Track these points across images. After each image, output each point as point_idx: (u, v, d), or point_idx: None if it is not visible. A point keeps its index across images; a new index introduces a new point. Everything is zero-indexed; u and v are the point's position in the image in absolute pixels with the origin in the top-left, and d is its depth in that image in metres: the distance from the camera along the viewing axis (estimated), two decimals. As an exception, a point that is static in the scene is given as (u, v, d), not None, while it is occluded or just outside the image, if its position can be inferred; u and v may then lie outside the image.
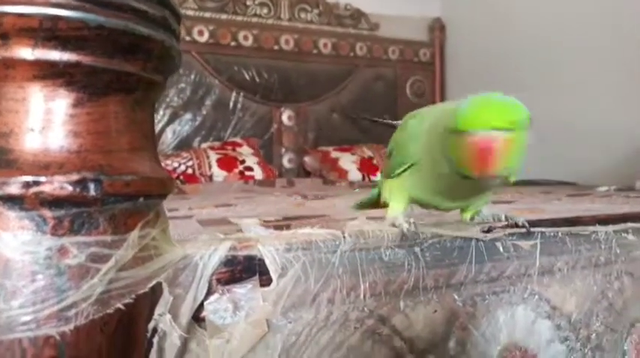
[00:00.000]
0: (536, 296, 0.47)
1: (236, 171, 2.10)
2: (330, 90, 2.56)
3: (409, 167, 0.48)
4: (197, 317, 0.36)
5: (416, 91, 2.73)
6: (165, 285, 0.33)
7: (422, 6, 2.73)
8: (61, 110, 0.29)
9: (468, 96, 0.45)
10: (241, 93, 2.39)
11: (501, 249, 0.46)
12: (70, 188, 0.28)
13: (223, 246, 0.37)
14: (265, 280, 0.39)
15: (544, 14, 2.20)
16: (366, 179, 2.27)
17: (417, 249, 0.43)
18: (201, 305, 0.36)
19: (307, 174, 2.44)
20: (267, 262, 0.39)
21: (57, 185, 0.27)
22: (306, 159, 2.45)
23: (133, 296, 0.31)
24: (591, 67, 2.02)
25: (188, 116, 2.30)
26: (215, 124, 2.35)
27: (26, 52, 0.28)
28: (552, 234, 0.48)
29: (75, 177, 0.28)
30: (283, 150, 2.49)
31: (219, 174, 2.06)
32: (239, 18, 2.39)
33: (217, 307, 0.37)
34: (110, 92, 0.31)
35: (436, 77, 2.74)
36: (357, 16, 2.60)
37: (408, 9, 2.67)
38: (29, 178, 0.27)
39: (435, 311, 0.43)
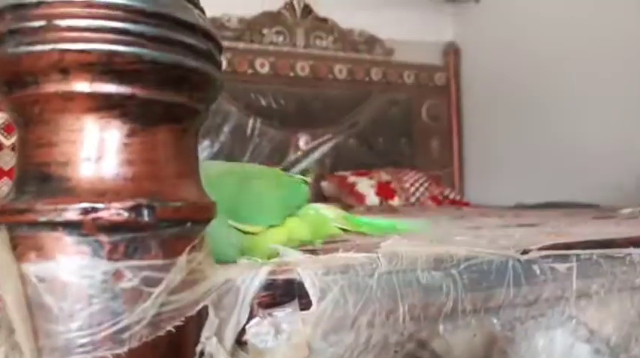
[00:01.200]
0: (574, 320, 0.47)
1: (255, 196, 2.11)
2: (346, 115, 2.59)
3: None
4: (239, 341, 0.36)
5: (432, 115, 2.75)
6: (211, 309, 0.34)
7: (435, 30, 2.77)
8: (116, 140, 0.30)
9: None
10: (258, 120, 2.43)
11: (538, 272, 0.45)
12: (125, 214, 0.29)
13: (263, 270, 0.38)
14: (305, 303, 0.39)
15: (559, 36, 2.21)
16: (384, 203, 2.27)
17: (454, 271, 0.43)
18: (243, 328, 0.37)
19: (325, 199, 2.44)
20: (307, 286, 0.39)
21: (113, 211, 0.29)
22: (324, 184, 2.46)
23: (182, 319, 0.31)
24: (610, 88, 2.02)
25: (206, 143, 2.33)
26: (233, 150, 2.38)
27: (84, 86, 0.29)
28: (587, 256, 0.48)
29: (130, 203, 0.29)
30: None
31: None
32: (255, 46, 2.45)
33: (259, 330, 0.37)
34: (160, 122, 0.32)
35: (452, 100, 2.76)
36: (372, 41, 2.65)
37: (422, 34, 2.71)
38: (87, 205, 0.28)
39: (475, 335, 0.42)
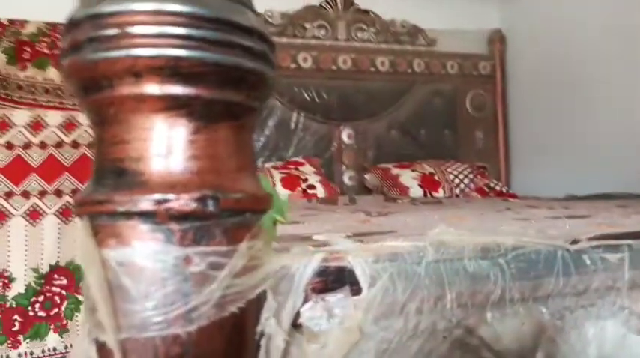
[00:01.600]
0: (626, 310, 0.46)
1: (299, 189, 2.15)
2: (388, 107, 2.58)
3: None
4: (294, 324, 0.39)
5: (476, 105, 2.69)
6: (269, 293, 0.36)
7: (480, 19, 2.70)
8: (183, 137, 0.33)
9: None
10: (302, 114, 2.46)
11: (588, 262, 0.45)
12: (193, 204, 0.32)
13: (316, 258, 0.40)
14: (355, 290, 0.41)
15: (607, 22, 2.11)
16: (428, 195, 2.25)
17: (501, 261, 0.44)
18: (298, 312, 0.39)
19: (368, 191, 2.45)
20: (358, 273, 0.41)
21: (183, 202, 0.31)
22: (367, 176, 2.47)
23: (244, 301, 0.34)
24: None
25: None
26: (277, 144, 2.43)
27: (154, 88, 0.32)
28: (641, 246, 0.48)
29: (197, 195, 0.32)
30: (344, 168, 2.52)
31: (283, 193, 2.12)
32: (298, 41, 2.48)
33: (313, 314, 0.39)
34: (221, 120, 0.34)
35: (497, 90, 2.69)
36: (414, 32, 2.62)
37: (466, 22, 2.66)
38: (160, 196, 0.31)
39: (523, 323, 0.43)
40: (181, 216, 0.32)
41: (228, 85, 0.34)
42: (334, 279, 0.41)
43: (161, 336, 0.31)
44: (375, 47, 2.58)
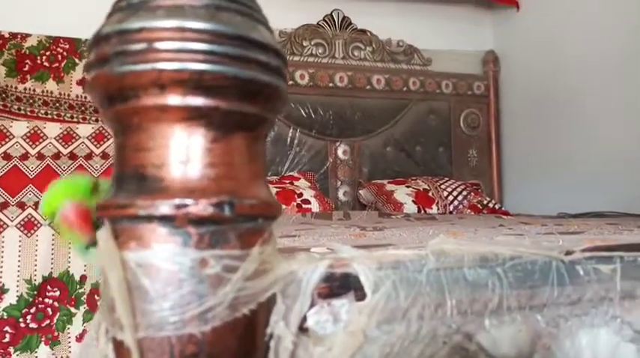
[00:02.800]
0: (619, 320, 0.48)
1: (294, 204, 2.16)
2: (384, 124, 2.62)
3: None
4: (301, 327, 0.40)
5: (470, 124, 2.74)
6: (279, 296, 0.38)
7: (474, 40, 2.77)
8: (201, 145, 0.35)
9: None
10: (298, 129, 2.49)
11: (582, 273, 0.47)
12: (210, 209, 0.33)
13: (323, 264, 0.42)
14: (360, 295, 0.42)
15: (599, 44, 2.18)
16: (422, 211, 2.27)
17: (499, 270, 0.45)
18: (305, 316, 0.40)
19: (362, 206, 2.47)
20: (362, 279, 0.42)
21: (201, 207, 0.33)
22: (361, 191, 2.49)
23: (256, 303, 0.35)
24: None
25: (248, 152, 2.40)
26: (273, 159, 2.45)
27: (177, 99, 0.34)
28: (631, 258, 0.50)
29: (214, 200, 0.34)
30: (339, 183, 2.54)
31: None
32: (296, 58, 2.52)
33: (319, 318, 0.41)
34: (237, 130, 0.36)
35: (491, 109, 2.74)
36: (410, 51, 2.67)
37: (461, 43, 2.72)
38: (179, 201, 0.33)
39: (520, 330, 0.45)
40: (199, 221, 0.33)
41: (245, 98, 0.36)
42: (339, 285, 0.42)
43: (177, 335, 0.33)
44: (371, 66, 2.63)
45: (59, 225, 0.43)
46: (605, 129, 2.17)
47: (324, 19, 2.58)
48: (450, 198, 2.39)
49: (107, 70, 0.34)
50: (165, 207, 0.33)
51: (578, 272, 0.48)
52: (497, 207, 2.43)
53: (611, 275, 0.49)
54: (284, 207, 2.12)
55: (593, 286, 0.48)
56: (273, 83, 0.37)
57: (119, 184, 0.36)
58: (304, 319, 0.40)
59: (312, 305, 0.41)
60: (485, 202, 2.42)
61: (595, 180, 2.18)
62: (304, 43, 2.54)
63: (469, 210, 2.35)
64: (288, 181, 2.31)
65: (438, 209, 2.32)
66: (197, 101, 0.34)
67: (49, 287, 1.97)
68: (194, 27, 0.33)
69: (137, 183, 0.34)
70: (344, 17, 2.60)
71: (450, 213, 2.34)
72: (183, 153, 0.35)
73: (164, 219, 0.33)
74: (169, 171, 0.34)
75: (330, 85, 2.56)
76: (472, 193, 2.45)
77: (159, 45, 0.33)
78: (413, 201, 2.31)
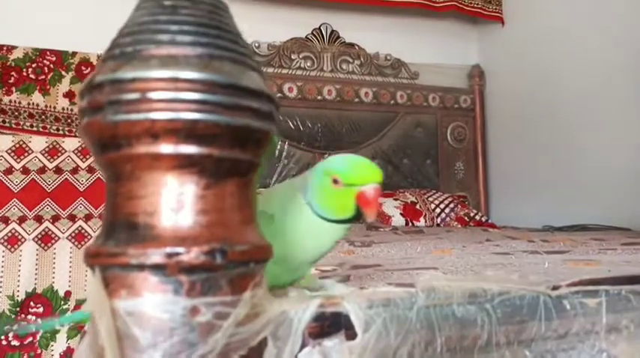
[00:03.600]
0: (605, 354, 0.49)
1: (283, 217, 2.16)
2: (371, 137, 2.63)
3: None
4: (292, 369, 0.40)
5: (457, 137, 2.77)
6: (270, 339, 0.38)
7: (460, 54, 2.81)
8: (194, 193, 0.35)
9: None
10: (287, 142, 2.49)
11: (568, 307, 0.48)
12: (202, 257, 0.33)
13: (314, 303, 0.42)
14: (350, 334, 0.43)
15: (583, 59, 2.22)
16: (410, 224, 2.29)
17: (487, 306, 0.46)
18: (295, 357, 0.41)
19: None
20: (352, 318, 0.43)
21: (193, 255, 0.33)
22: (350, 204, 2.49)
23: (247, 349, 0.35)
24: (638, 110, 2.01)
25: (237, 165, 2.40)
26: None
27: (169, 148, 0.34)
28: (616, 291, 0.51)
29: (206, 248, 0.34)
30: (327, 196, 2.54)
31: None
32: (284, 71, 2.53)
33: (310, 359, 0.41)
34: (229, 176, 0.37)
35: (477, 123, 2.78)
36: (398, 65, 2.70)
37: (447, 57, 2.76)
38: (171, 250, 0.33)
39: (508, 366, 0.45)
40: (190, 269, 0.33)
41: (237, 144, 0.36)
42: (330, 324, 0.42)
43: (168, 385, 0.32)
44: (359, 79, 2.65)
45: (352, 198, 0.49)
46: (589, 143, 2.21)
47: (312, 33, 2.60)
48: (438, 210, 2.41)
49: (100, 118, 0.34)
50: (156, 256, 0.33)
51: (565, 307, 0.49)
52: (483, 219, 2.45)
53: (596, 308, 0.50)
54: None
55: (579, 320, 0.49)
56: (264, 128, 0.37)
57: (110, 232, 0.35)
58: (295, 360, 0.40)
59: (303, 345, 0.41)
60: (472, 215, 2.44)
61: (579, 193, 2.22)
62: (293, 56, 2.55)
63: (456, 223, 2.37)
64: (276, 194, 2.30)
65: (426, 221, 2.34)
66: (190, 149, 0.34)
67: (32, 304, 1.94)
68: (187, 77, 0.34)
69: (128, 231, 0.34)
70: (332, 31, 2.62)
71: (438, 225, 2.35)
72: (175, 200, 0.35)
73: (155, 268, 0.33)
74: (161, 219, 0.34)
75: (319, 97, 2.57)
76: (459, 206, 2.47)
77: (152, 95, 0.33)
78: (401, 213, 2.32)
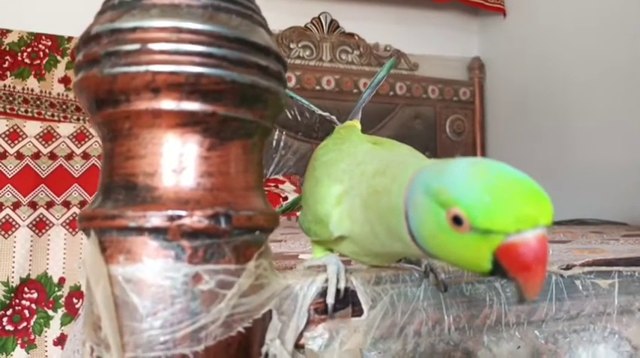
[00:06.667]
0: (617, 336, 0.48)
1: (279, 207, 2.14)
2: (370, 128, 2.61)
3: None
4: (297, 344, 0.39)
5: (455, 129, 2.75)
6: (274, 312, 0.36)
7: (460, 46, 2.78)
8: (197, 153, 0.33)
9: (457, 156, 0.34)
10: (284, 132, 2.47)
11: (580, 287, 0.47)
12: (205, 221, 0.31)
13: (320, 278, 0.40)
14: (357, 311, 0.41)
15: (584, 52, 2.21)
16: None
17: (497, 285, 0.44)
18: (301, 332, 0.39)
19: (348, 210, 2.46)
20: (359, 294, 0.41)
21: (195, 219, 0.31)
22: (347, 196, 2.47)
23: (251, 321, 0.34)
24: (637, 106, 2.00)
25: (234, 154, 2.37)
26: (259, 162, 2.42)
27: (172, 104, 0.32)
28: (629, 273, 0.49)
29: (210, 212, 0.32)
30: (324, 187, 2.52)
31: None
32: (283, 60, 2.50)
33: (315, 335, 0.39)
34: (234, 137, 0.35)
35: (476, 115, 2.76)
36: (397, 56, 2.67)
37: (447, 49, 2.73)
38: (172, 212, 0.31)
39: (519, 347, 0.44)
40: (193, 233, 0.31)
41: (244, 104, 0.34)
42: (336, 300, 0.41)
43: (168, 356, 0.30)
44: (358, 69, 2.62)
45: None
46: (589, 137, 2.20)
47: (311, 22, 2.57)
48: (435, 203, 2.39)
49: (97, 71, 0.32)
50: (156, 219, 0.31)
51: (577, 287, 0.47)
52: (481, 213, 2.44)
53: (609, 289, 0.48)
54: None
55: (591, 301, 0.47)
56: (272, 88, 0.35)
57: (107, 193, 0.33)
58: (300, 336, 0.39)
59: (308, 321, 0.39)
60: (469, 208, 2.43)
61: (578, 187, 2.21)
62: (291, 45, 2.53)
63: (454, 216, 2.36)
64: (272, 184, 2.28)
65: (423, 214, 2.32)
66: (193, 106, 0.32)
67: (26, 289, 1.91)
68: (191, 28, 0.31)
69: (127, 193, 0.32)
70: (332, 20, 2.59)
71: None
72: (177, 161, 0.33)
73: (155, 232, 0.31)
74: (162, 180, 0.32)
75: (317, 87, 2.54)
76: (457, 199, 2.45)
77: (153, 46, 0.31)
78: (398, 205, 2.30)
